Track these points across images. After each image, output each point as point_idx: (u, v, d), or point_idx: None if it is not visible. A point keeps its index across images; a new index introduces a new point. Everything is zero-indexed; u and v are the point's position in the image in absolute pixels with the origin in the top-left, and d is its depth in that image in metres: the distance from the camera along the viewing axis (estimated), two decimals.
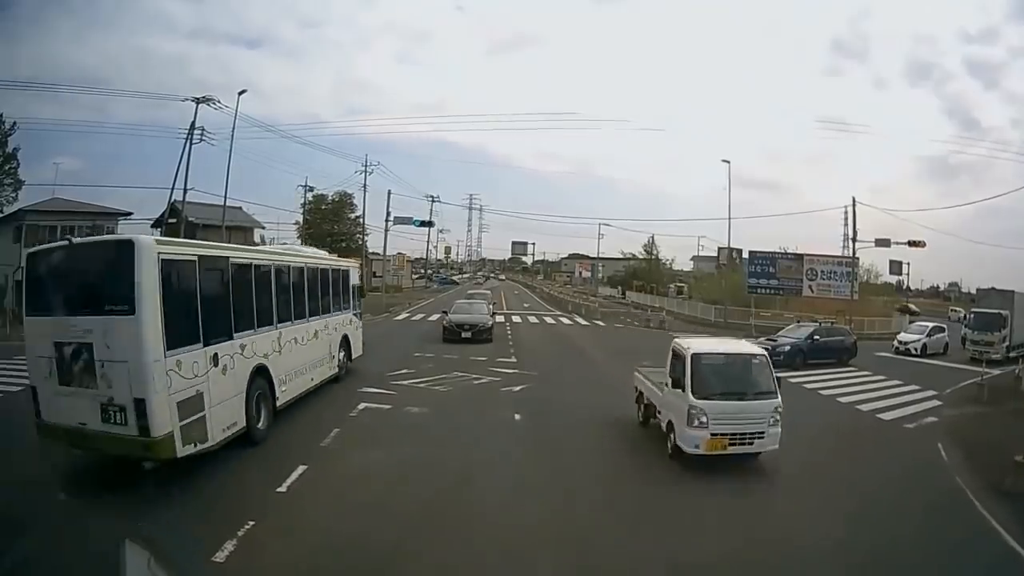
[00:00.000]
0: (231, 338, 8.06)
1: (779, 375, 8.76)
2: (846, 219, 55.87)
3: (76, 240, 7.35)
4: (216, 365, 7.57)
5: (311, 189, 61.49)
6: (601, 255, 72.02)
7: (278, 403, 9.45)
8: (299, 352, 10.60)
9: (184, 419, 6.81)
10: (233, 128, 31.47)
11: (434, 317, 28.77)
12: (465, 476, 7.76)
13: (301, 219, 61.28)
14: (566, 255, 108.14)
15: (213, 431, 7.37)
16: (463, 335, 21.24)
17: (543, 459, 8.71)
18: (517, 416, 11.07)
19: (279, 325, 9.71)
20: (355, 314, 14.84)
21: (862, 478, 8.54)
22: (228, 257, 8.40)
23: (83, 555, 4.68)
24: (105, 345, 6.43)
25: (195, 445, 7.01)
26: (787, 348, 18.86)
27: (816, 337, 19.92)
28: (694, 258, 77.64)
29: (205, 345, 7.36)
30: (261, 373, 8.85)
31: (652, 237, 71.30)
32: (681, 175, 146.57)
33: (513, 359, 18.23)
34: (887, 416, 12.80)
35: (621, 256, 75.92)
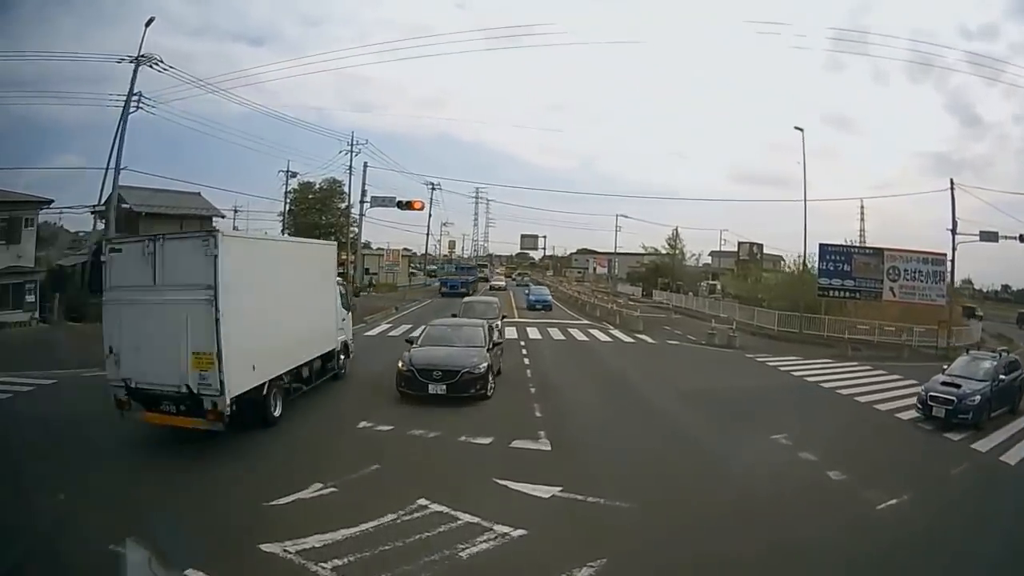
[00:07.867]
0: None
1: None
2: (862, 214, 53.29)
3: None
4: None
5: (294, 175, 54.69)
6: (614, 250, 65.68)
7: None
8: None
9: None
10: (132, 80, 24.98)
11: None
12: None
13: (284, 208, 54.97)
14: (575, 250, 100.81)
15: None
16: (431, 389, 11.85)
17: None
18: None
19: None
20: None
21: None
22: None
23: None
24: None
25: None
26: (976, 399, 11.68)
27: (1002, 377, 12.76)
28: (713, 253, 72.47)
29: None
30: None
31: (676, 229, 65.49)
32: (692, 168, 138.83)
33: (544, 441, 9.82)
34: None
35: (643, 251, 69.34)
